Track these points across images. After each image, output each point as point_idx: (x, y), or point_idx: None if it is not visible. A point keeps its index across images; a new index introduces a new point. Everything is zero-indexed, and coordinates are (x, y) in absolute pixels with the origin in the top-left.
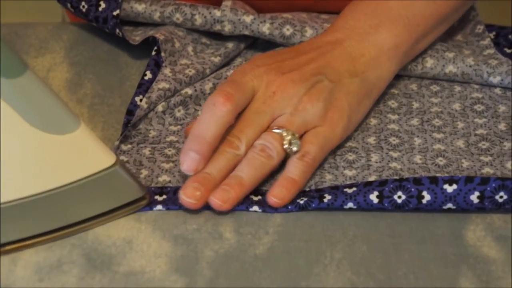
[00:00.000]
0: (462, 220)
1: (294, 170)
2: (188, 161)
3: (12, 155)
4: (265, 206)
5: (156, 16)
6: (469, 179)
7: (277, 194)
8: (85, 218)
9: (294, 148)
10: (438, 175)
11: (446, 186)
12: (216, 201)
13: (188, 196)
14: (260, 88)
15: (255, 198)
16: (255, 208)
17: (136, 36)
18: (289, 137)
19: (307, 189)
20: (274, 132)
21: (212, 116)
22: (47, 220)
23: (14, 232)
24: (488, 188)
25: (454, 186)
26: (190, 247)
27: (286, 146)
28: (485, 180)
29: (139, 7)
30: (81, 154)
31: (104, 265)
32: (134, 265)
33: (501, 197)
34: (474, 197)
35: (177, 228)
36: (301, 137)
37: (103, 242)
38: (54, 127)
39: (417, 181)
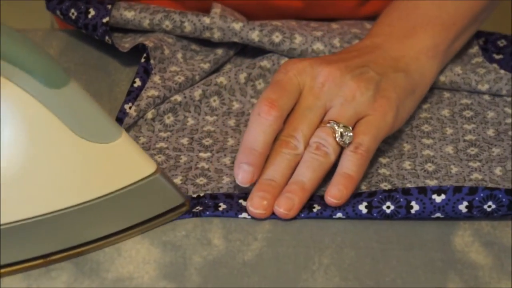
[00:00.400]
0: (450, 226)
1: (349, 164)
2: (242, 174)
3: (59, 165)
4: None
5: (146, 23)
6: (457, 189)
7: (335, 194)
8: (128, 226)
9: (347, 140)
10: (427, 181)
11: (434, 196)
12: (281, 210)
13: (255, 207)
14: (306, 82)
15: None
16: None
17: (126, 43)
18: (340, 130)
19: None
20: (326, 127)
21: (259, 126)
22: (93, 229)
23: (60, 242)
24: (477, 198)
25: (443, 196)
26: (178, 254)
27: (338, 139)
28: (473, 190)
29: (129, 14)
30: (124, 162)
31: (92, 271)
32: (122, 271)
33: (489, 206)
34: (463, 207)
35: (166, 235)
36: (353, 128)
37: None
38: (98, 136)
39: (406, 192)
